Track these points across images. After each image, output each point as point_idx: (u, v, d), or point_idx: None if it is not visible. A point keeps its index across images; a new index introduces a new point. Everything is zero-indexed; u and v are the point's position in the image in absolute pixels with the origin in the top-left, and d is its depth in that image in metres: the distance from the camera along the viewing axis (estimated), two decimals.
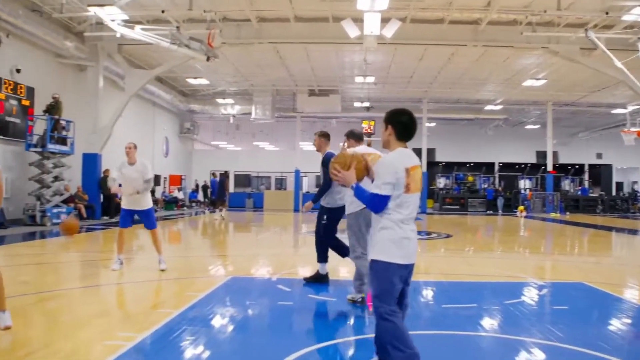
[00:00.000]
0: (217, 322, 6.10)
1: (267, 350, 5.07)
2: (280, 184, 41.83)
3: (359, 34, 17.09)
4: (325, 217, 7.94)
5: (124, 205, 9.34)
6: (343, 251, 7.96)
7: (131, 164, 9.16)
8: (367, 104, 34.90)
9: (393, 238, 4.12)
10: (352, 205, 6.76)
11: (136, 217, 9.42)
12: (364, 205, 7.10)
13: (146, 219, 9.42)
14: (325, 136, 8.25)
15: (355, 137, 7.48)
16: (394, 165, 4.06)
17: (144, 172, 9.13)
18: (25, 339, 5.16)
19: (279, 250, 13.99)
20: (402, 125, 4.21)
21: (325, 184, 7.85)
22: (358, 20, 16.96)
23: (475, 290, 8.40)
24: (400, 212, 4.13)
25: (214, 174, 28.88)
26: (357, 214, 6.74)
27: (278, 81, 31.19)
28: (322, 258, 8.14)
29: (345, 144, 7.50)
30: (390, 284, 4.10)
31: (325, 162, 7.83)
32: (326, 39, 21.24)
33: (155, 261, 9.51)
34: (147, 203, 9.38)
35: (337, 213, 7.89)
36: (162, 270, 9.22)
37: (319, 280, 8.19)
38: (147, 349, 5.02)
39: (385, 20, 16.86)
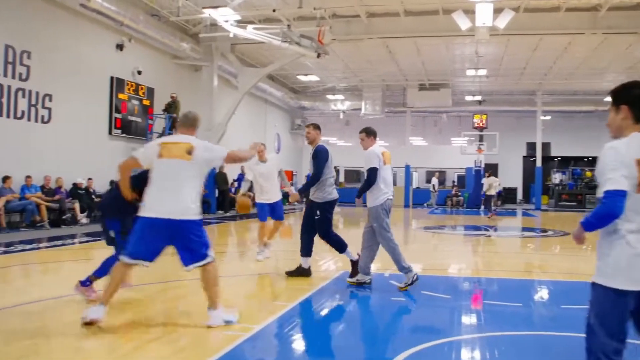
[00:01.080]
0: (330, 316, 6.14)
1: (380, 346, 5.07)
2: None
3: (470, 25, 16.77)
4: (317, 212, 7.83)
5: (259, 200, 9.94)
6: (341, 247, 7.94)
7: (262, 162, 9.78)
8: (478, 98, 34.13)
9: (620, 256, 2.98)
10: (378, 199, 7.32)
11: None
12: (386, 198, 7.38)
13: (276, 210, 10.02)
14: (318, 128, 8.17)
15: (372, 134, 7.82)
16: (621, 155, 2.96)
17: (275, 166, 9.98)
18: (148, 326, 5.42)
19: None
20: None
21: (315, 177, 7.76)
22: (469, 12, 16.65)
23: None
24: (631, 219, 2.97)
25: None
26: (378, 206, 7.29)
27: (388, 76, 31.10)
28: (306, 252, 8.05)
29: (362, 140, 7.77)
30: (613, 315, 3.01)
31: (317, 154, 7.80)
32: (436, 32, 20.93)
33: (271, 252, 10.11)
34: (277, 195, 10.02)
35: (329, 206, 7.87)
36: (259, 261, 9.77)
37: (302, 274, 8.02)
38: (262, 340, 5.12)
39: (497, 11, 16.44)
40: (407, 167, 34.82)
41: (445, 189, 36.00)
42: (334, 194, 7.92)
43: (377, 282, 8.29)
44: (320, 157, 7.78)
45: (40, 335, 5.03)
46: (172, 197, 5.15)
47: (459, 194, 34.24)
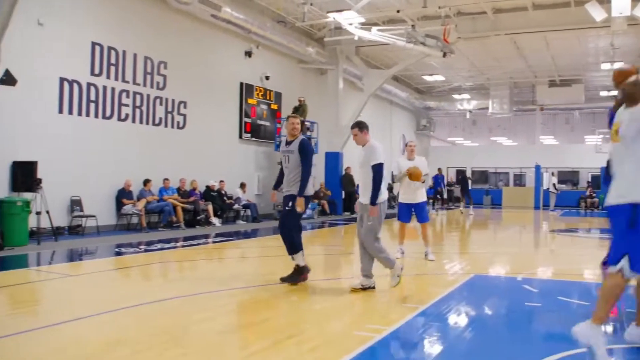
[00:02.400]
0: (462, 320, 6.00)
1: (515, 353, 4.89)
2: (519, 180, 40.33)
3: (606, 16, 15.92)
4: (291, 204, 7.40)
5: (402, 199, 10.02)
6: (294, 249, 7.48)
7: (411, 160, 9.92)
8: (615, 93, 32.29)
9: None
10: (381, 196, 6.97)
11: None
12: (386, 198, 7.04)
13: (420, 212, 10.02)
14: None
15: (365, 127, 7.84)
16: None
17: (423, 167, 9.82)
18: (279, 326, 5.56)
19: (520, 249, 13.54)
20: None
21: (308, 173, 7.50)
22: (604, 2, 15.83)
23: None
24: None
25: (439, 170, 28.95)
26: (382, 204, 7.01)
27: (515, 73, 30.16)
28: (296, 248, 7.54)
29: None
30: None
31: (304, 148, 7.51)
32: (567, 25, 20.01)
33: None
34: (422, 197, 9.98)
35: (306, 202, 7.42)
36: (431, 261, 9.81)
37: (301, 273, 7.54)
38: (394, 342, 5.07)
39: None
40: (537, 167, 33.55)
41: (577, 189, 34.38)
42: (311, 190, 7.65)
43: (509, 286, 8.06)
44: (309, 150, 7.56)
45: (178, 329, 5.30)
46: None
47: (594, 195, 32.52)
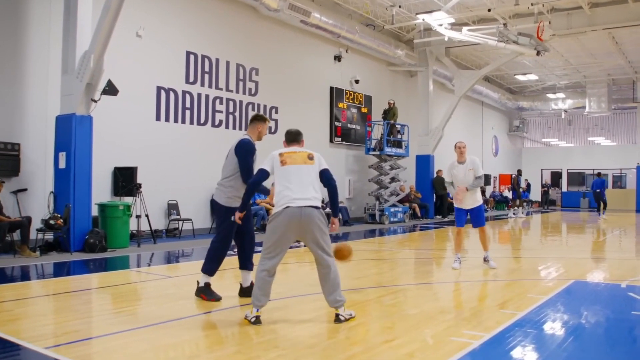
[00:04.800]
0: (562, 329, 5.74)
1: None
2: (620, 181, 38.62)
3: None
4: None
5: (457, 204, 9.54)
6: (212, 267, 6.91)
7: (461, 163, 9.36)
8: None
9: None
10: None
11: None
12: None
13: (476, 216, 9.52)
14: None
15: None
16: None
17: (475, 169, 9.27)
18: (373, 330, 5.54)
19: (622, 255, 12.94)
20: None
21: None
22: None
23: None
24: None
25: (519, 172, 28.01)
26: None
27: (614, 70, 28.94)
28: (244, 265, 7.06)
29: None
30: None
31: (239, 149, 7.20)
32: None
33: (481, 259, 9.66)
34: (478, 200, 9.48)
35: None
36: (493, 269, 9.31)
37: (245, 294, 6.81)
38: (492, 349, 4.92)
39: None
40: (639, 168, 32.04)
41: None
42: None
43: (612, 294, 7.71)
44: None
45: (277, 329, 5.38)
46: None
47: None
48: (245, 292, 6.71)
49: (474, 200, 9.44)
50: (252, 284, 6.53)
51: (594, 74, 29.69)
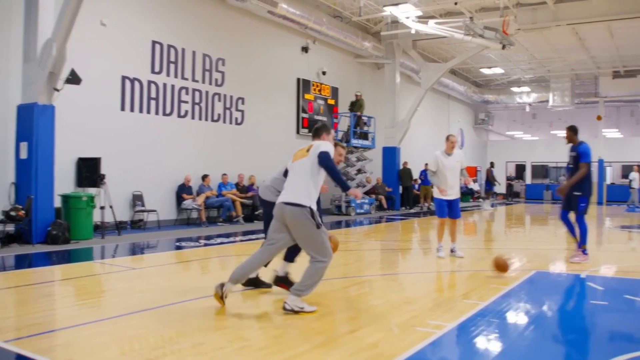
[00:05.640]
0: (524, 318, 5.85)
1: (578, 353, 4.80)
2: None
3: None
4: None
5: (438, 195, 9.74)
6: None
7: (449, 154, 9.60)
8: None
9: None
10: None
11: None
12: None
13: (455, 208, 9.74)
14: None
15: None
16: None
17: (462, 162, 9.63)
18: (339, 320, 5.58)
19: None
20: None
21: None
22: None
23: None
24: None
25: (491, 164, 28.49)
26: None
27: (577, 65, 29.37)
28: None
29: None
30: None
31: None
32: (633, 13, 19.28)
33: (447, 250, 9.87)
34: (458, 193, 9.74)
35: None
36: (460, 257, 9.56)
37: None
38: (455, 338, 5.03)
39: None
40: (600, 162, 32.66)
41: None
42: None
43: (572, 284, 7.88)
44: None
45: (239, 322, 5.37)
46: None
47: None
48: (279, 280, 6.58)
49: (455, 192, 9.68)
50: (286, 274, 6.56)
51: (558, 69, 30.12)
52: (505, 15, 18.44)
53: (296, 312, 5.53)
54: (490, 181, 26.88)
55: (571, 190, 9.20)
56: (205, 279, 8.04)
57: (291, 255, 6.55)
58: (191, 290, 6.67)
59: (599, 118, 32.02)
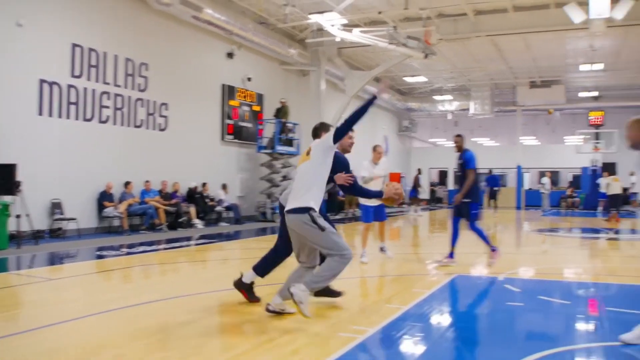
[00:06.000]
0: (445, 320, 6.05)
1: (496, 353, 4.93)
2: (502, 180, 40.52)
3: (585, 18, 16.06)
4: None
5: (364, 202, 10.01)
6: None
7: (376, 164, 9.95)
8: (594, 94, 32.63)
9: None
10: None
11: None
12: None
13: (380, 211, 10.04)
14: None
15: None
16: None
17: (387, 169, 10.11)
18: (262, 328, 5.52)
19: (502, 249, 13.56)
20: None
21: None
22: (583, 4, 15.97)
23: None
24: None
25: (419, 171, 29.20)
26: None
27: (496, 75, 30.35)
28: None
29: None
30: None
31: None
32: (547, 26, 20.13)
33: (377, 254, 10.14)
34: None
35: None
36: (390, 258, 10.00)
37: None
38: (377, 343, 5.11)
39: (614, 1, 15.63)
40: (519, 168, 33.85)
41: (559, 189, 34.73)
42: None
43: (491, 287, 8.11)
44: None
45: (161, 332, 5.27)
46: None
47: (575, 194, 32.82)
48: (241, 285, 6.47)
49: None
50: (252, 283, 6.45)
51: (478, 78, 31.01)
52: (427, 25, 18.87)
53: (296, 303, 5.31)
54: (415, 187, 27.44)
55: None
56: (127, 288, 7.86)
57: (262, 269, 6.52)
58: (112, 300, 6.51)
59: (550, 112, 33.71)
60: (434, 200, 35.96)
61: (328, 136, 5.73)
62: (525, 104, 33.18)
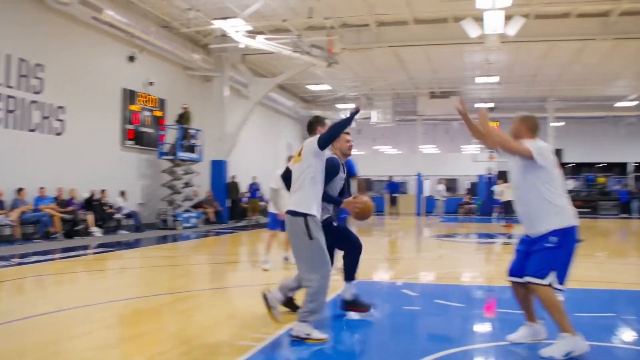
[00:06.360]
0: (343, 325, 6.13)
1: (392, 355, 5.05)
2: (403, 187, 41.54)
3: (480, 33, 16.76)
4: None
5: (271, 209, 10.06)
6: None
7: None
8: (490, 105, 34.04)
9: None
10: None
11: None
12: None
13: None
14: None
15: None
16: None
17: None
18: (160, 338, 5.44)
19: (402, 255, 13.93)
20: None
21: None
22: (479, 20, 16.65)
23: (610, 298, 7.95)
24: None
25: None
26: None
27: (398, 84, 31.11)
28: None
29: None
30: None
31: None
32: (446, 40, 20.89)
33: (280, 263, 10.19)
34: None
35: None
36: (266, 270, 9.81)
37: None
38: (275, 349, 5.14)
39: (507, 18, 16.42)
40: (419, 175, 34.84)
41: (457, 196, 36.00)
42: None
43: (389, 292, 8.30)
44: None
45: (54, 345, 5.07)
46: None
47: (472, 201, 34.14)
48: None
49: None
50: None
51: (381, 87, 31.64)
52: (331, 35, 19.12)
53: (303, 339, 5.19)
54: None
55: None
56: (17, 300, 7.51)
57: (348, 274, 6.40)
58: (3, 314, 6.20)
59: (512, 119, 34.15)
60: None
61: (314, 141, 5.67)
62: (426, 114, 34.21)
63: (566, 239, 4.91)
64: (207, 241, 16.68)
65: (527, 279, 4.91)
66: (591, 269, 10.76)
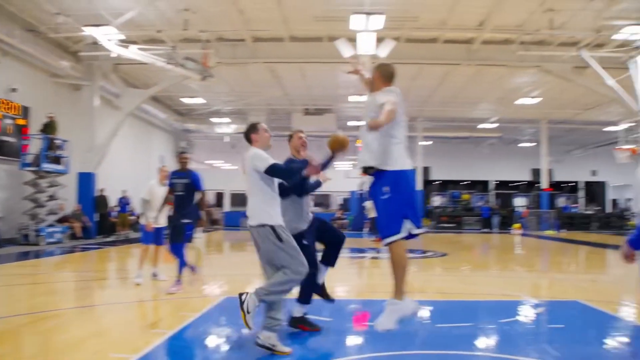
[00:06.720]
0: (212, 342, 6.07)
1: None
2: None
3: (353, 53, 17.21)
4: None
5: (143, 221, 10.17)
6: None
7: (163, 185, 10.02)
8: (362, 123, 34.90)
9: None
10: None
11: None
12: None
13: (160, 235, 10.17)
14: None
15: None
16: None
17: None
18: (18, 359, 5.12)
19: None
20: None
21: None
22: (353, 40, 17.10)
23: (470, 309, 8.34)
24: None
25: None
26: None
27: (273, 100, 31.26)
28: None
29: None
30: None
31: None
32: (321, 58, 21.31)
33: (149, 279, 10.16)
34: (164, 221, 9.80)
35: None
36: (163, 280, 9.94)
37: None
38: None
39: (379, 40, 17.01)
40: None
41: (330, 212, 36.60)
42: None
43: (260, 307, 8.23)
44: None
45: None
46: None
47: (344, 216, 34.81)
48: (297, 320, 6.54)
49: (163, 220, 9.81)
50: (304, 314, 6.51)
51: (256, 103, 31.64)
52: (206, 48, 18.95)
53: (268, 349, 5.23)
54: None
55: (179, 219, 9.04)
56: None
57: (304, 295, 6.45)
58: None
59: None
60: (211, 222, 35.89)
61: (259, 160, 5.61)
62: (300, 130, 34.55)
63: None
64: (73, 257, 15.92)
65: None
66: (455, 282, 11.28)
